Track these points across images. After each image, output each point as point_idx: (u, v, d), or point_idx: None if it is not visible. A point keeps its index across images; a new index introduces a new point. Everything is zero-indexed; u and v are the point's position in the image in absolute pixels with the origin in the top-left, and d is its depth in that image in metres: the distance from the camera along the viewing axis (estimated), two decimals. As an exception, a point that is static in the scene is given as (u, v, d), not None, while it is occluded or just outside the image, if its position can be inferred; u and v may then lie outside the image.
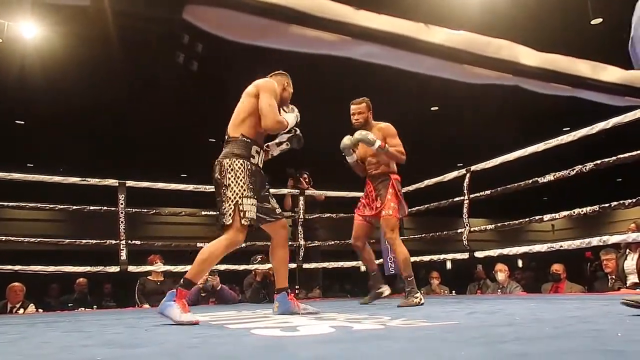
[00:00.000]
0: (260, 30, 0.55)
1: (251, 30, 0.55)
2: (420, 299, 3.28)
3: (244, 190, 2.49)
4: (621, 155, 3.41)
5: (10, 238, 4.70)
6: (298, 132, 2.94)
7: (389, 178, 3.54)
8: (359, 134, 3.46)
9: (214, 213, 5.31)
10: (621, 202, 3.42)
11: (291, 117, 2.82)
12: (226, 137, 2.66)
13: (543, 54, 0.71)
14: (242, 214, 2.45)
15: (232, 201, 2.46)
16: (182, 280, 2.39)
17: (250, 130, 2.63)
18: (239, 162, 2.53)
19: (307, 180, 5.65)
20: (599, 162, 3.53)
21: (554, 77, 0.70)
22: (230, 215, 2.45)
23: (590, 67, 0.75)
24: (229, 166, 2.52)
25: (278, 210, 2.79)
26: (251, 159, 2.60)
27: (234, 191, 2.48)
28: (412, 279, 3.37)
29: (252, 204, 2.51)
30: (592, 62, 0.78)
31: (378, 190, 3.56)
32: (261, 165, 2.73)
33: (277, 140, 2.93)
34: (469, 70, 0.66)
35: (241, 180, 2.50)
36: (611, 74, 0.75)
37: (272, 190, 2.87)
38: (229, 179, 2.50)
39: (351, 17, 0.58)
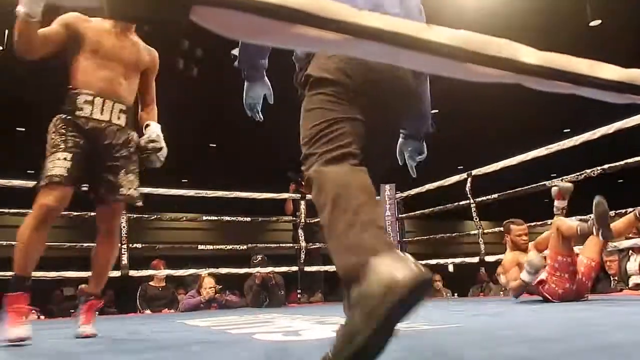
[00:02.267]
0: (263, 30, 0.56)
1: (254, 30, 0.56)
2: None
3: (50, 146, 2.02)
4: (629, 160, 3.43)
5: (12, 243, 4.69)
6: (158, 145, 2.28)
7: None
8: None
9: (216, 218, 5.35)
10: (620, 211, 3.46)
11: None
12: None
13: (544, 53, 0.71)
14: (42, 173, 1.97)
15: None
16: (14, 279, 1.92)
17: (74, 77, 2.12)
18: (55, 118, 2.08)
19: (308, 184, 5.65)
20: (606, 166, 3.55)
21: (556, 74, 0.70)
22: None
23: (589, 66, 0.75)
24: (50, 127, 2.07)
25: (123, 191, 2.11)
26: (77, 112, 2.06)
27: (46, 152, 2.02)
28: None
29: (58, 159, 1.98)
30: (592, 62, 0.78)
31: None
32: (108, 118, 2.10)
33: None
34: (470, 69, 0.66)
35: (51, 137, 2.04)
36: (611, 72, 0.76)
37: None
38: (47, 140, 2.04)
39: (353, 16, 0.59)
